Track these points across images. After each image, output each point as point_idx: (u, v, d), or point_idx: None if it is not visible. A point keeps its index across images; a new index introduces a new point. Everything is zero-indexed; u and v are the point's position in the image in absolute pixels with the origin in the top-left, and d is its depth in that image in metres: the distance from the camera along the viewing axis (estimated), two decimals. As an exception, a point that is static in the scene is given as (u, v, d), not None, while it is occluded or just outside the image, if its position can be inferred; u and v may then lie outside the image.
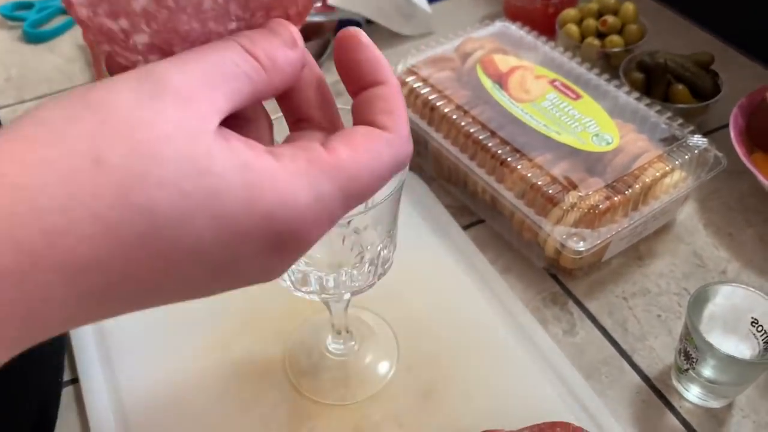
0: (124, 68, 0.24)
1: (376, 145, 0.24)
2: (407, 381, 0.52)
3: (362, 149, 0.24)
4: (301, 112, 0.27)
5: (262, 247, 0.22)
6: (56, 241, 0.18)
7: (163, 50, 0.25)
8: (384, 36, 0.90)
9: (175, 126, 0.20)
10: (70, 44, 0.91)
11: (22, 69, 0.87)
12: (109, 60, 0.25)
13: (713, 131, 0.74)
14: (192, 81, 0.21)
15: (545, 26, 0.85)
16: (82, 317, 0.20)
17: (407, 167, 0.29)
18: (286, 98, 0.27)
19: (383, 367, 0.53)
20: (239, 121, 0.25)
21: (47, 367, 0.50)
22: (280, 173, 0.22)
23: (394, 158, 0.25)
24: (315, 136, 0.26)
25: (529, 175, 0.57)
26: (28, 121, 0.20)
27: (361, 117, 0.26)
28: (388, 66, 0.26)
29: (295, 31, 0.25)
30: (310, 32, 0.86)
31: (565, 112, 0.62)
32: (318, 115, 0.27)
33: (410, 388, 0.51)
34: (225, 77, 0.22)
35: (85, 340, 0.54)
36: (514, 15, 0.88)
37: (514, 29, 0.74)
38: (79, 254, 0.19)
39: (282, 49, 0.24)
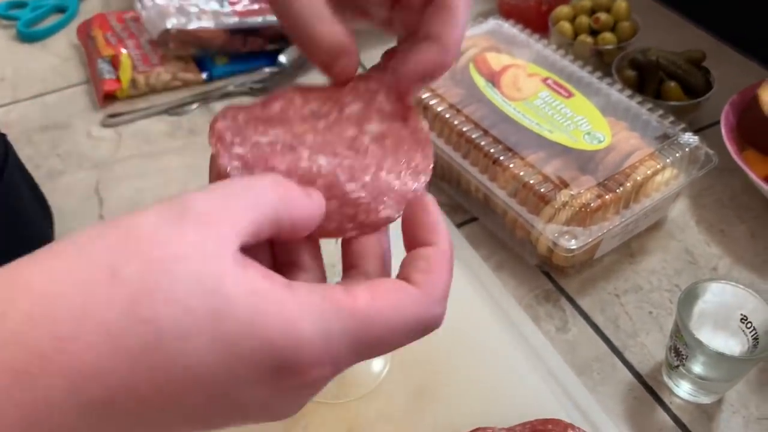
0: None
1: (399, 299, 0.24)
2: (400, 379, 0.52)
3: (382, 299, 0.23)
4: (353, 259, 0.28)
5: (260, 375, 0.21)
6: (65, 347, 0.19)
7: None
8: (376, 31, 0.90)
9: (191, 247, 0.21)
10: (64, 43, 0.91)
11: (16, 69, 0.87)
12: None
13: (705, 128, 0.75)
14: (215, 206, 0.22)
15: (538, 23, 0.86)
16: (83, 430, 0.20)
17: None
18: (346, 244, 0.28)
19: (377, 365, 0.53)
20: (284, 266, 0.26)
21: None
22: (289, 302, 0.22)
23: (418, 316, 0.24)
24: (350, 281, 0.26)
25: (521, 173, 0.58)
26: (64, 239, 0.22)
27: (401, 272, 0.26)
28: (445, 232, 0.27)
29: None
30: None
31: (558, 110, 0.62)
32: (371, 267, 0.27)
33: (403, 386, 0.52)
34: (249, 205, 0.23)
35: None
36: (507, 12, 0.88)
37: (507, 27, 0.74)
38: (85, 361, 0.19)
39: (305, 192, 0.25)
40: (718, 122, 0.70)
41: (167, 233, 0.21)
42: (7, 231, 0.44)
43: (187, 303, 0.20)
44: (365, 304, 0.23)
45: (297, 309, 0.21)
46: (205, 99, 0.80)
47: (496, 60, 0.68)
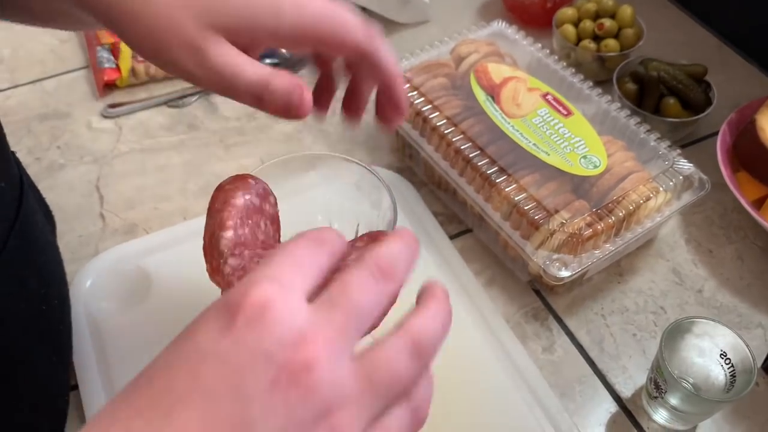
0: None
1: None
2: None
3: None
4: None
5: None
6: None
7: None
8: (379, 24, 0.89)
9: None
10: (63, 22, 0.90)
11: (14, 49, 0.86)
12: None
13: (702, 139, 0.75)
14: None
15: (542, 20, 0.85)
16: None
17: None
18: None
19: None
20: None
21: (53, 388, 0.52)
22: None
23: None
24: None
25: (515, 197, 0.58)
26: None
27: None
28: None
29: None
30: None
31: (555, 129, 0.63)
32: None
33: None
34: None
35: (85, 351, 0.56)
36: (511, 6, 0.87)
37: (511, 32, 0.74)
38: None
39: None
40: (715, 133, 0.70)
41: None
42: (26, 266, 0.45)
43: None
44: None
45: None
46: (205, 91, 0.79)
47: (497, 71, 0.68)
